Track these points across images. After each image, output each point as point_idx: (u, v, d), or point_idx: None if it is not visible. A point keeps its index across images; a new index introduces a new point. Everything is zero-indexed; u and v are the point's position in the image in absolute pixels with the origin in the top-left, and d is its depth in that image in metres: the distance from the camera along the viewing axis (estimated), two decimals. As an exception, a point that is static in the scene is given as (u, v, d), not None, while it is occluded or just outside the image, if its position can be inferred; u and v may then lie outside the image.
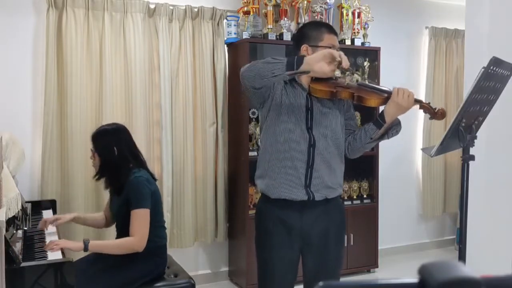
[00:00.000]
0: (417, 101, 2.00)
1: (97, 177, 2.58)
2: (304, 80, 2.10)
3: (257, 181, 2.20)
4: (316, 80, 2.08)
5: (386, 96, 2.03)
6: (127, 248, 2.43)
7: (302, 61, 1.84)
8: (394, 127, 2.08)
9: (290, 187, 2.06)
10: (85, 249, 2.40)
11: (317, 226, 2.10)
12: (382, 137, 2.11)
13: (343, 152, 2.18)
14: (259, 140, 2.27)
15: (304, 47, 2.09)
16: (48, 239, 2.45)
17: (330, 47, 2.05)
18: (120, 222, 2.57)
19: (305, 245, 2.13)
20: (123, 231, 2.51)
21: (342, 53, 1.85)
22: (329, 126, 2.09)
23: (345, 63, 1.83)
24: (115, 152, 2.52)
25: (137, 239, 2.42)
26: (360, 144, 2.13)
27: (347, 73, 2.13)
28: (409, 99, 1.95)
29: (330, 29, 2.14)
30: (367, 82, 2.18)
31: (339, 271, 2.22)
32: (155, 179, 2.64)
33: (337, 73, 2.11)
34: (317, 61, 1.83)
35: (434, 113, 1.99)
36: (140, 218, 2.43)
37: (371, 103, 2.02)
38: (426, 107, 1.99)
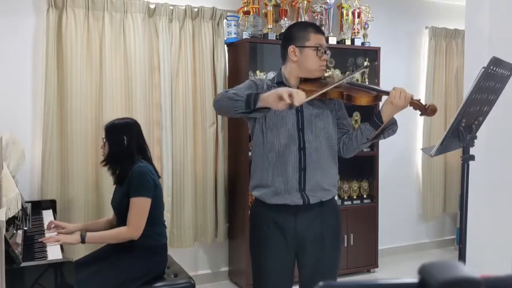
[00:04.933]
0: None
1: (103, 163, 2.67)
2: (293, 81, 2.10)
3: (253, 191, 2.17)
4: (305, 81, 2.08)
5: (375, 95, 2.03)
6: (123, 238, 2.48)
7: (258, 99, 1.84)
8: (391, 127, 2.08)
9: (285, 193, 2.05)
10: (83, 241, 2.44)
11: (312, 230, 2.09)
12: (378, 136, 2.11)
13: (336, 152, 2.17)
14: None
15: (291, 48, 2.08)
16: (47, 236, 2.47)
17: (317, 47, 2.06)
18: (121, 214, 2.57)
19: (300, 249, 2.11)
20: (123, 223, 2.52)
21: (294, 91, 1.78)
22: (321, 126, 2.08)
23: (297, 101, 1.77)
24: (125, 144, 2.59)
25: (132, 228, 2.45)
26: (356, 144, 2.13)
27: (347, 72, 2.13)
28: (406, 100, 1.96)
29: (317, 29, 2.13)
30: (356, 81, 2.18)
31: (336, 273, 2.19)
32: (159, 176, 2.68)
33: (330, 73, 2.11)
34: (270, 99, 1.80)
35: (424, 110, 1.98)
36: (138, 207, 2.45)
37: (361, 101, 2.02)
38: (416, 104, 1.99)
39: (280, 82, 2.11)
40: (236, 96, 1.91)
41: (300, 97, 1.78)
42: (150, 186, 2.50)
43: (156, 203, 2.56)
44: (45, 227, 2.66)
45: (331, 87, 2.01)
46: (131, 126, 2.68)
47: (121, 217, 2.58)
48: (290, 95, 1.76)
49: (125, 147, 2.59)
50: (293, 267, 2.15)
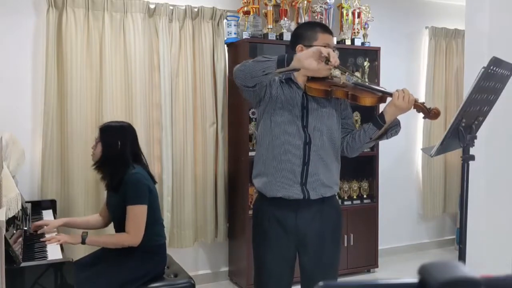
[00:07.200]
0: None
1: (95, 166, 2.64)
2: (300, 79, 2.12)
3: (254, 180, 2.21)
4: (312, 79, 2.10)
5: (380, 96, 2.04)
6: (123, 244, 2.49)
7: (292, 58, 1.88)
8: (394, 127, 2.09)
9: (286, 185, 2.07)
10: (83, 242, 2.48)
11: (313, 226, 2.10)
12: (381, 137, 2.12)
13: (339, 151, 2.19)
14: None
15: (299, 47, 2.11)
16: (48, 236, 2.47)
17: (324, 47, 2.07)
18: (118, 218, 2.59)
19: (301, 245, 2.13)
20: (121, 227, 2.54)
21: (331, 50, 1.90)
22: (325, 124, 2.10)
23: (333, 59, 1.88)
24: (118, 148, 2.57)
25: (132, 235, 2.46)
26: (360, 144, 2.15)
27: (347, 73, 2.14)
28: (409, 102, 1.97)
29: (324, 28, 2.16)
30: (362, 82, 2.20)
31: (336, 270, 2.21)
32: (155, 182, 2.67)
33: (337, 73, 2.13)
34: (306, 57, 1.87)
35: (428, 113, 1.99)
36: (136, 215, 2.47)
37: (365, 102, 2.03)
38: (420, 107, 2.00)
39: (289, 78, 2.14)
40: (264, 58, 1.94)
41: (336, 58, 1.89)
42: (145, 193, 2.51)
43: (153, 206, 2.57)
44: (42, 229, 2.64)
45: (357, 79, 2.05)
46: (126, 129, 2.66)
47: (118, 223, 2.60)
48: (329, 53, 1.86)
49: (118, 150, 2.57)
50: (294, 262, 2.17)
